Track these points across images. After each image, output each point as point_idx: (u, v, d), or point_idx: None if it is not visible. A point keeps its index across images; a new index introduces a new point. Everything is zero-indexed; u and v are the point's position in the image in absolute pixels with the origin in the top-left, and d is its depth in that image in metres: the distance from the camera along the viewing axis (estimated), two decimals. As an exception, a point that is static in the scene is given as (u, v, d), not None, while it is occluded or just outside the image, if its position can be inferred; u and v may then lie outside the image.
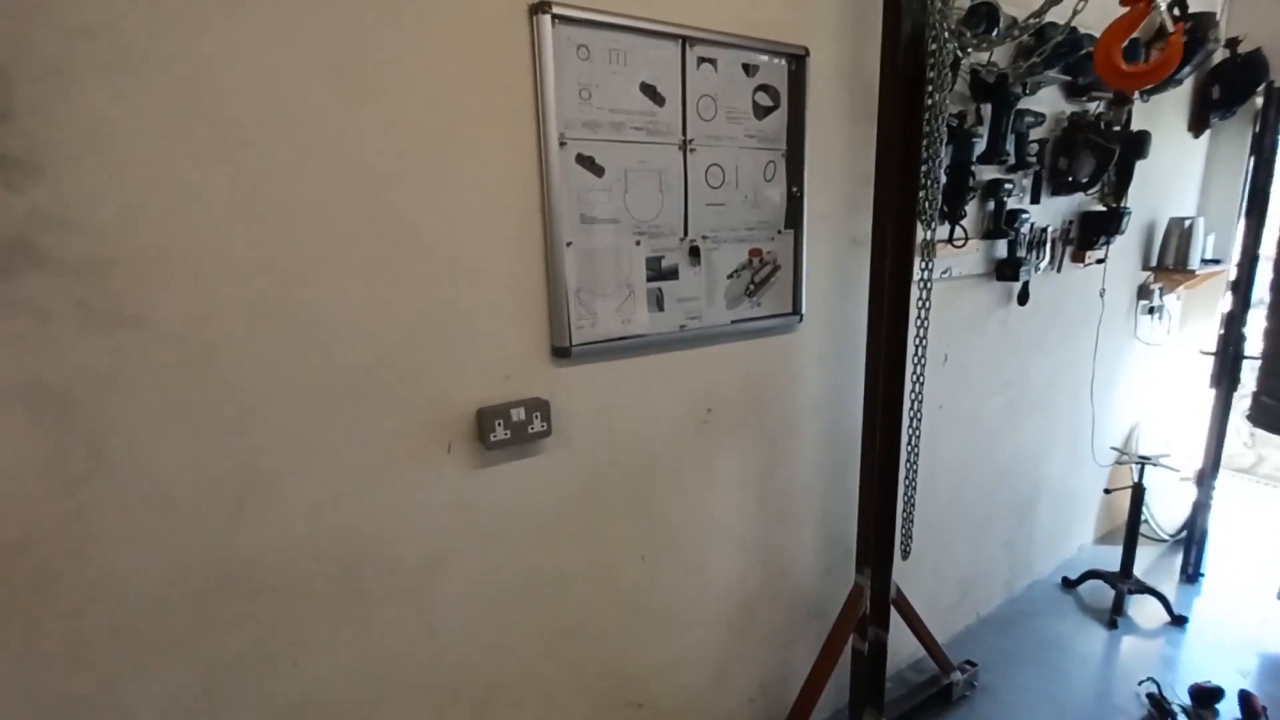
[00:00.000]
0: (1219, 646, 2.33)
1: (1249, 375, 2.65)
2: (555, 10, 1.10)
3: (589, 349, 1.27)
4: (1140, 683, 2.12)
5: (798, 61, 1.44)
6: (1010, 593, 2.65)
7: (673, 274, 1.37)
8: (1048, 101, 2.06)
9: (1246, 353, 2.55)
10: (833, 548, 1.90)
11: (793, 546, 1.80)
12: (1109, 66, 1.05)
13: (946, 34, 1.27)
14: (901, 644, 2.04)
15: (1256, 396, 1.31)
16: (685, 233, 1.37)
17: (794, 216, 1.53)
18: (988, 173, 1.95)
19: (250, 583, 1.01)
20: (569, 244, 1.21)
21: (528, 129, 1.14)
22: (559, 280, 1.21)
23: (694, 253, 1.39)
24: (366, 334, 1.05)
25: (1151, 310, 2.83)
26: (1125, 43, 1.05)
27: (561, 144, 1.17)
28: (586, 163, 1.21)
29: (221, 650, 1.00)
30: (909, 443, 1.67)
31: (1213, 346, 2.73)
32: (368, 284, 1.03)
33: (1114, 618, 2.47)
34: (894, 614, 1.81)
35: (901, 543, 1.75)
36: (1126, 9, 1.02)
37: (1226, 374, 2.59)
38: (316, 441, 1.03)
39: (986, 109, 1.87)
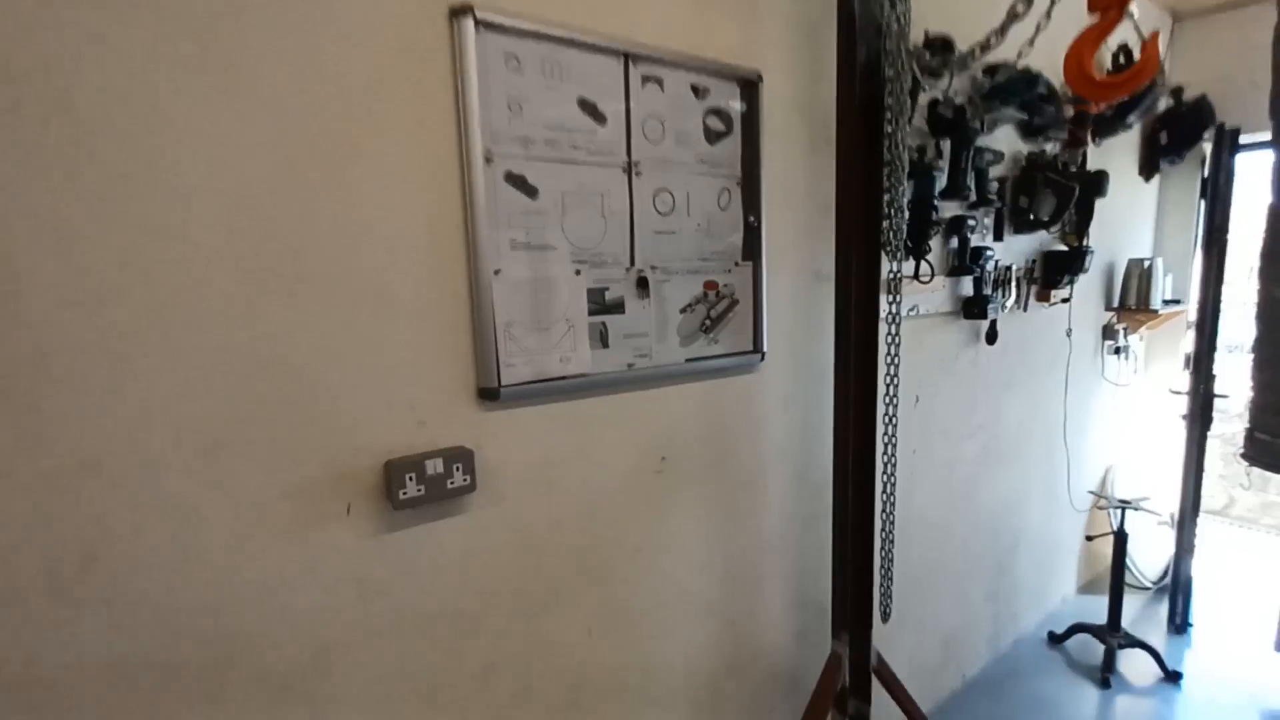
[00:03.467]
0: (1219, 705, 2.18)
1: (1218, 414, 2.61)
2: (479, 15, 1.00)
3: (522, 390, 1.12)
4: (1141, 751, 1.95)
5: (750, 86, 1.36)
6: (996, 651, 2.48)
7: (618, 307, 1.23)
8: (1005, 141, 2.04)
9: (1217, 392, 2.51)
10: (806, 609, 1.73)
11: (762, 610, 1.62)
12: (1081, 77, 0.98)
13: (904, 55, 1.21)
14: (885, 714, 1.85)
15: (1251, 433, 1.21)
16: (632, 262, 1.24)
17: (752, 248, 1.42)
18: (949, 209, 1.90)
19: (68, 685, 0.80)
20: (497, 272, 1.07)
21: (448, 143, 1.01)
22: (485, 312, 1.06)
23: (642, 284, 1.26)
24: (242, 373, 0.88)
25: (1117, 350, 2.79)
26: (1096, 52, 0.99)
27: (488, 160, 1.04)
28: (517, 182, 1.09)
29: (33, 778, 0.78)
30: (884, 491, 1.53)
31: (1180, 385, 2.69)
32: (244, 314, 0.87)
33: (1105, 675, 2.32)
34: (875, 683, 1.63)
35: (881, 603, 1.59)
36: (1095, 18, 0.96)
37: (1199, 414, 2.54)
38: (172, 504, 0.84)
39: (946, 145, 1.83)
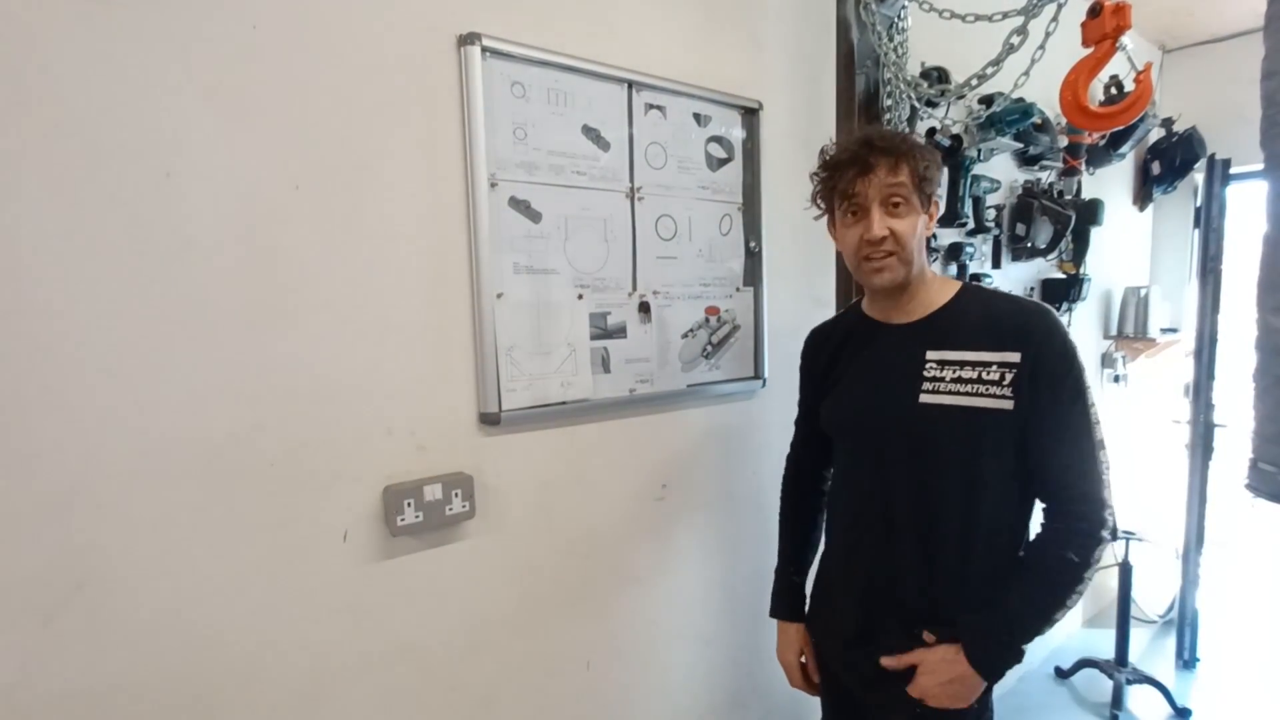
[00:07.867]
0: (1230, 744, 2.12)
1: (1220, 444, 2.60)
2: (486, 43, 1.01)
3: (523, 415, 1.11)
4: (1155, 792, 1.89)
5: (751, 114, 1.38)
6: (1001, 685, 2.41)
7: (620, 332, 1.23)
8: (1001, 169, 2.07)
9: (1217, 421, 2.51)
10: (809, 642, 1.68)
11: (764, 643, 1.58)
12: (1076, 108, 1.00)
13: (902, 86, 1.22)
14: (890, 754, 1.79)
15: (1255, 464, 1.19)
16: (634, 287, 1.24)
17: (753, 273, 1.43)
18: (948, 236, 1.91)
19: (52, 717, 0.77)
20: (500, 295, 1.07)
21: (454, 167, 1.02)
22: (487, 336, 1.06)
23: (644, 309, 1.26)
24: (242, 396, 0.86)
25: (1117, 379, 2.79)
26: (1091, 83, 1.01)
27: (492, 185, 1.05)
28: (521, 207, 1.09)
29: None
30: (887, 520, 1.51)
31: (1180, 415, 2.68)
32: (246, 336, 0.86)
33: (1115, 713, 2.26)
34: None
35: (885, 636, 1.55)
36: (1090, 50, 0.98)
37: (1201, 444, 2.53)
38: (163, 530, 0.82)
39: (943, 173, 1.85)
